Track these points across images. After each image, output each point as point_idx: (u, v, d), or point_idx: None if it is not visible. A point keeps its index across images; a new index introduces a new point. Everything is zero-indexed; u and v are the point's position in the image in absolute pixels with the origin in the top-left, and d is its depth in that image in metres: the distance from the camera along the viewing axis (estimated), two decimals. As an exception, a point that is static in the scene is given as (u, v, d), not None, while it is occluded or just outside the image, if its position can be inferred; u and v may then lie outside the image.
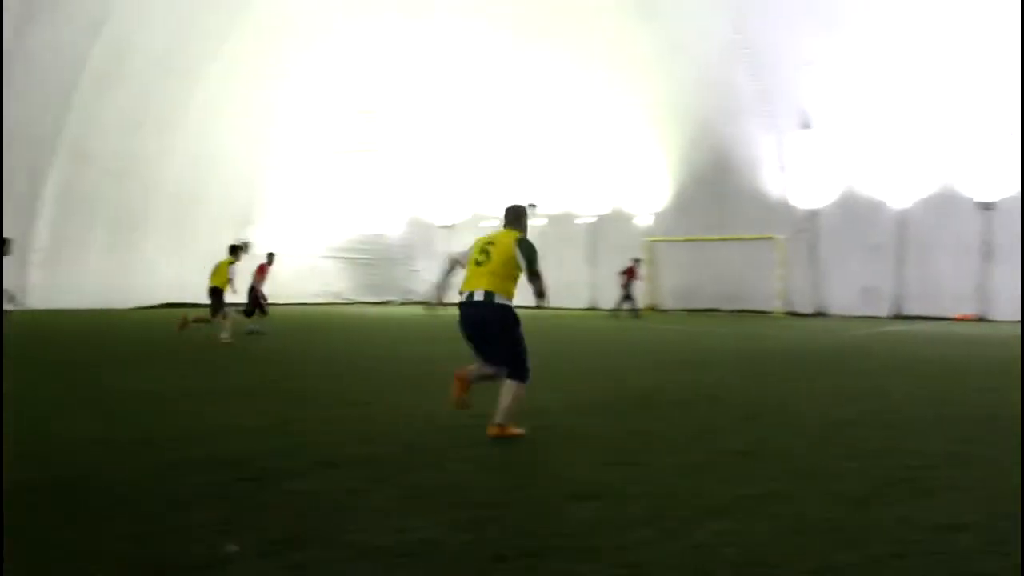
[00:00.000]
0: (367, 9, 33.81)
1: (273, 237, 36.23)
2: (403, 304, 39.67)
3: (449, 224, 39.10)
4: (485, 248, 7.74)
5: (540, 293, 7.68)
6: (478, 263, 7.67)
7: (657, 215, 33.60)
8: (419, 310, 22.23)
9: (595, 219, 35.23)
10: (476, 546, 4.66)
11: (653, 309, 32.78)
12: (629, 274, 28.84)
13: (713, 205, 31.62)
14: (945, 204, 27.97)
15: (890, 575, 4.32)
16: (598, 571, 4.29)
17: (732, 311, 30.53)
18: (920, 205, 28.44)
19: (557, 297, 35.02)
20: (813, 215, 30.31)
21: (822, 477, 6.35)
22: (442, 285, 8.35)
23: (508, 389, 7.56)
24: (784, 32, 28.27)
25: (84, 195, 30.48)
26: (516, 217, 8.07)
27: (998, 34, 24.94)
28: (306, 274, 35.38)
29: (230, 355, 15.49)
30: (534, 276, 7.57)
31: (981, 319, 27.28)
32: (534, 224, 30.49)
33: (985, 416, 9.14)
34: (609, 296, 32.11)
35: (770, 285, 30.43)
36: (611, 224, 34.65)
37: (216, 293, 18.17)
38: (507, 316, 7.58)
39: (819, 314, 29.96)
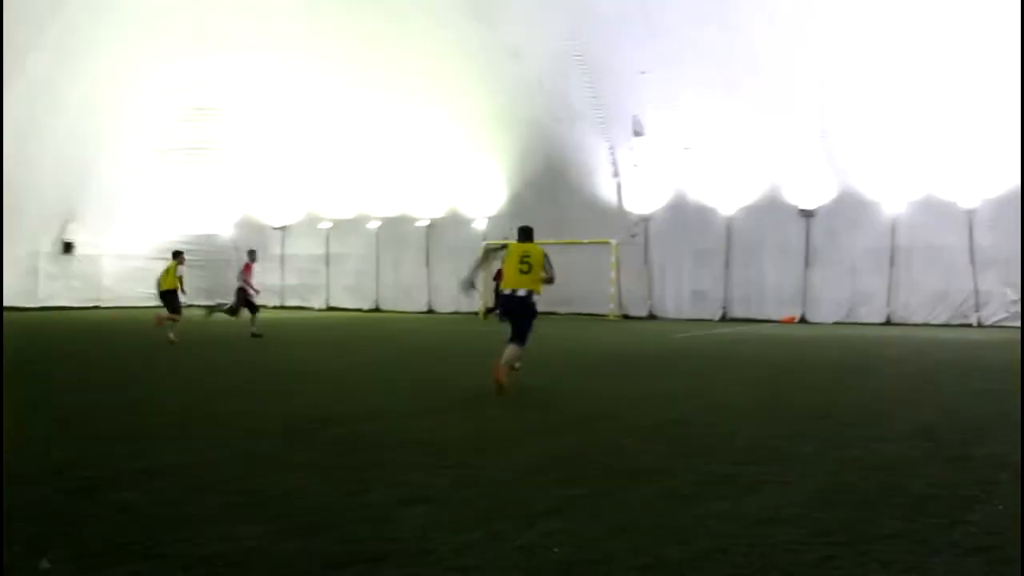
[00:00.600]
0: (203, 4, 32.77)
1: (98, 237, 34.83)
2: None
3: (283, 225, 38.30)
4: (524, 259, 11.38)
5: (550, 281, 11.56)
6: (522, 271, 11.33)
7: (491, 219, 33.72)
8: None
9: (430, 222, 35.06)
10: (307, 554, 4.54)
11: (490, 312, 32.86)
12: (499, 277, 28.80)
13: (548, 209, 31.88)
14: (769, 211, 29.02)
15: (714, 569, 4.37)
16: None
17: (568, 314, 30.86)
18: (745, 212, 29.45)
19: (394, 301, 34.99)
20: (645, 220, 30.99)
21: (651, 475, 6.42)
22: (474, 274, 13.05)
23: (513, 350, 11.05)
24: (617, 40, 28.78)
25: None
26: (530, 234, 11.98)
27: (817, 45, 26.03)
28: (133, 276, 33.98)
29: (59, 362, 14.76)
30: (551, 280, 11.58)
31: (803, 321, 28.42)
32: (369, 226, 29.93)
33: (807, 415, 9.42)
34: (446, 300, 32.15)
35: (605, 289, 30.94)
36: (447, 227, 34.58)
37: (169, 295, 20.02)
38: (535, 308, 11.35)
39: (652, 317, 30.65)
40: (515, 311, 11.31)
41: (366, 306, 36.09)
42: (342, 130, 34.63)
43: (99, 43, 31.69)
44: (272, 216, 38.53)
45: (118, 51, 32.48)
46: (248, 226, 38.94)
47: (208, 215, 38.16)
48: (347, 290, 37.14)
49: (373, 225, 36.06)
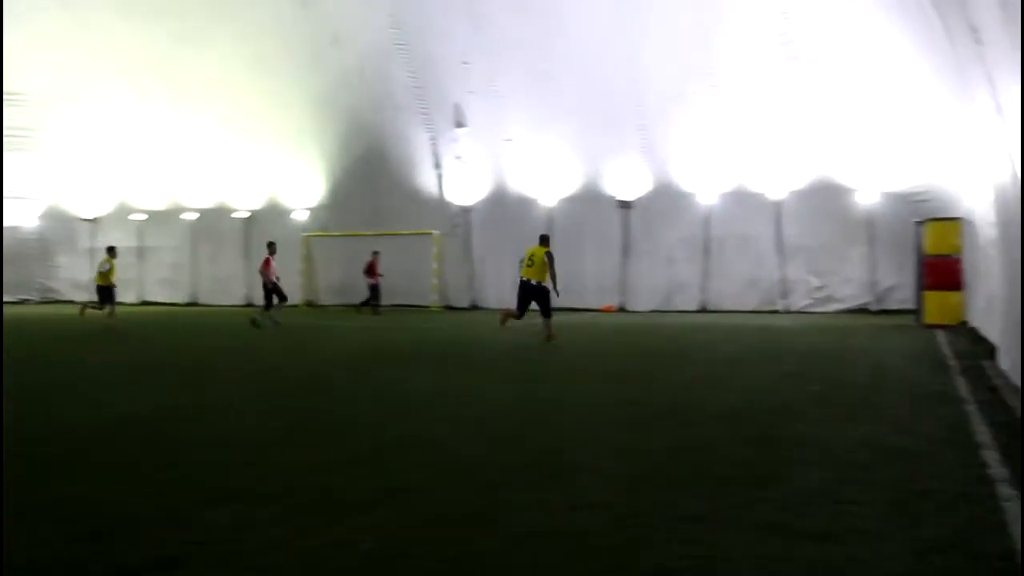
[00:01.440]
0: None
1: None
2: (42, 303, 36.70)
3: (93, 217, 36.55)
4: (531, 258, 17.10)
5: (555, 284, 17.02)
6: (528, 266, 17.05)
7: (312, 210, 33.07)
8: (67, 310, 20.71)
9: (249, 214, 34.12)
10: (101, 560, 4.35)
11: (311, 304, 32.24)
12: (371, 270, 28.28)
13: (369, 200, 31.54)
14: (589, 202, 29.41)
15: (522, 557, 4.42)
16: (232, 576, 4.13)
17: (392, 305, 30.53)
18: (566, 203, 29.76)
19: (211, 294, 33.90)
20: (467, 211, 30.95)
21: (463, 467, 6.45)
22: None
23: (546, 323, 17.00)
24: (440, 30, 28.62)
25: None
26: (546, 240, 17.68)
27: (636, 38, 26.52)
28: None
29: None
30: (554, 274, 16.91)
31: (622, 310, 28.92)
32: (184, 217, 28.80)
33: (618, 401, 9.55)
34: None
35: (427, 280, 30.74)
36: (267, 218, 33.70)
37: (104, 290, 22.74)
38: (545, 290, 16.88)
39: (474, 307, 30.63)
40: (531, 293, 17.02)
41: (182, 300, 34.87)
42: (155, 117, 33.26)
43: None
44: (82, 207, 36.72)
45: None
46: (55, 217, 37.04)
47: (10, 206, 36.06)
48: (162, 283, 35.78)
49: (189, 216, 34.85)
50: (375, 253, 28.73)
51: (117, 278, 23.27)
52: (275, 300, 22.85)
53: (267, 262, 23.05)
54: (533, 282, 16.84)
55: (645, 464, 6.40)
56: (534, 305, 17.14)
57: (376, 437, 7.60)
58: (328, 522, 4.95)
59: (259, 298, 29.62)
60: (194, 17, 30.30)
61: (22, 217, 36.69)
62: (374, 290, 28.46)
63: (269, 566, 4.27)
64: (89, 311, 23.63)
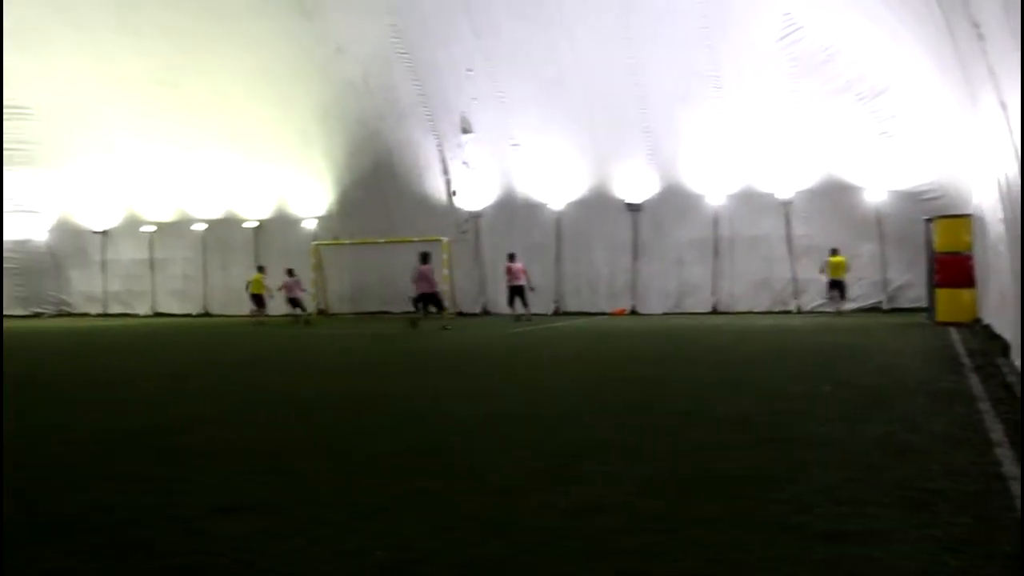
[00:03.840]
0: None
1: None
2: (57, 316, 36.82)
3: (104, 229, 36.64)
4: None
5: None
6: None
7: (321, 218, 33.11)
8: (86, 323, 20.63)
9: (258, 223, 34.17)
10: (111, 570, 4.39)
11: (323, 313, 32.30)
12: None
13: (378, 208, 31.58)
14: (597, 205, 29.40)
15: (535, 561, 4.42)
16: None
17: (402, 313, 30.57)
18: (574, 207, 29.76)
19: (223, 305, 33.93)
20: (475, 217, 30.97)
21: (473, 472, 6.45)
22: None
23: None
24: (442, 38, 28.66)
25: None
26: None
27: (640, 41, 26.53)
28: None
29: None
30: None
31: (634, 312, 28.90)
32: (194, 228, 28.98)
33: (631, 405, 9.56)
34: (277, 302, 31.38)
35: (439, 285, 30.68)
36: (276, 228, 33.77)
37: (256, 297, 28.92)
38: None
39: (485, 313, 30.64)
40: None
41: (195, 310, 34.97)
42: (162, 129, 33.37)
43: None
44: (92, 220, 36.84)
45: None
46: (66, 230, 37.14)
47: (22, 219, 36.22)
48: (174, 295, 35.87)
49: (199, 227, 34.94)
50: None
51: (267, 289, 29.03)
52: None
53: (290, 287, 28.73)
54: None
55: (659, 466, 6.40)
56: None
57: (388, 443, 7.60)
58: (342, 531, 4.95)
59: (271, 308, 29.78)
60: (198, 32, 30.43)
61: (33, 230, 36.84)
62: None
63: (287, 575, 4.30)
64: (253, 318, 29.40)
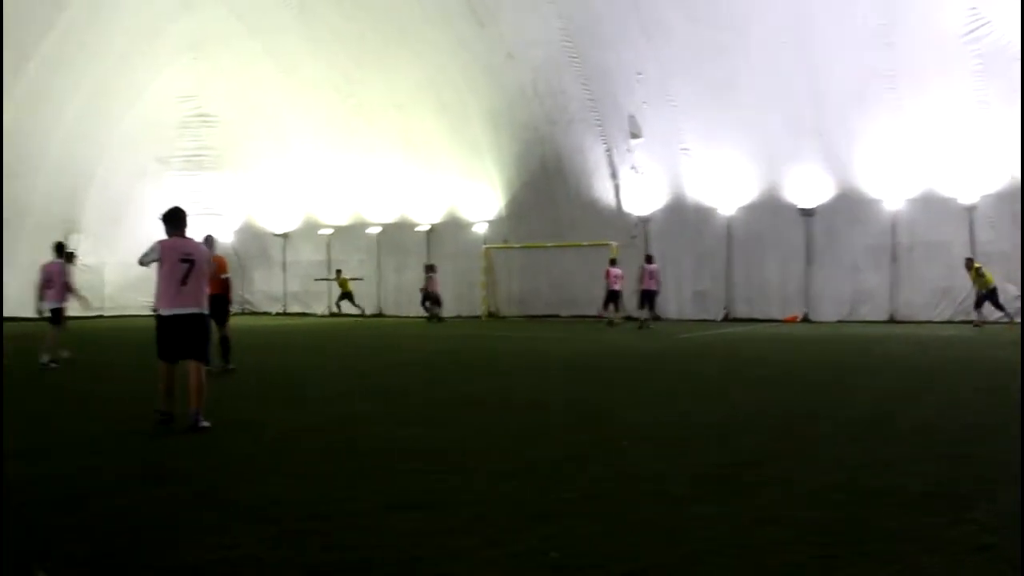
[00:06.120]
0: (201, 12, 32.88)
1: (100, 247, 34.84)
2: (239, 314, 38.49)
3: (284, 232, 38.19)
4: None
5: None
6: None
7: (491, 222, 33.60)
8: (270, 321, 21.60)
9: (430, 227, 34.93)
10: (296, 561, 4.53)
11: (492, 315, 32.80)
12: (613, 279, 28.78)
13: (547, 212, 31.82)
14: (769, 210, 28.91)
15: (706, 571, 4.37)
16: (420, 581, 4.19)
17: (570, 316, 30.83)
18: (745, 211, 29.32)
19: (396, 306, 34.86)
20: (645, 222, 30.88)
21: (643, 478, 6.40)
22: None
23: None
24: (612, 42, 28.72)
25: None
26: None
27: (814, 42, 26.00)
28: (135, 285, 33.76)
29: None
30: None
31: (806, 320, 28.31)
32: (369, 232, 29.85)
33: (806, 415, 9.43)
34: (447, 304, 32.03)
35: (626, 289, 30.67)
36: (447, 231, 34.46)
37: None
38: None
39: (655, 318, 30.49)
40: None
41: (368, 311, 36.02)
42: (338, 136, 34.59)
43: (99, 51, 31.70)
44: (273, 223, 38.43)
45: (118, 59, 32.52)
46: (249, 233, 38.87)
47: (209, 222, 38.06)
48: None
49: (373, 231, 35.96)
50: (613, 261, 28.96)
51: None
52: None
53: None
54: None
55: (834, 479, 6.22)
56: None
57: (559, 447, 7.62)
58: (513, 532, 4.99)
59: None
60: (374, 41, 31.45)
61: (218, 232, 38.65)
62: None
63: (458, 573, 4.37)
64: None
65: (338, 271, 34.80)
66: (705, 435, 8.17)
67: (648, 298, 25.53)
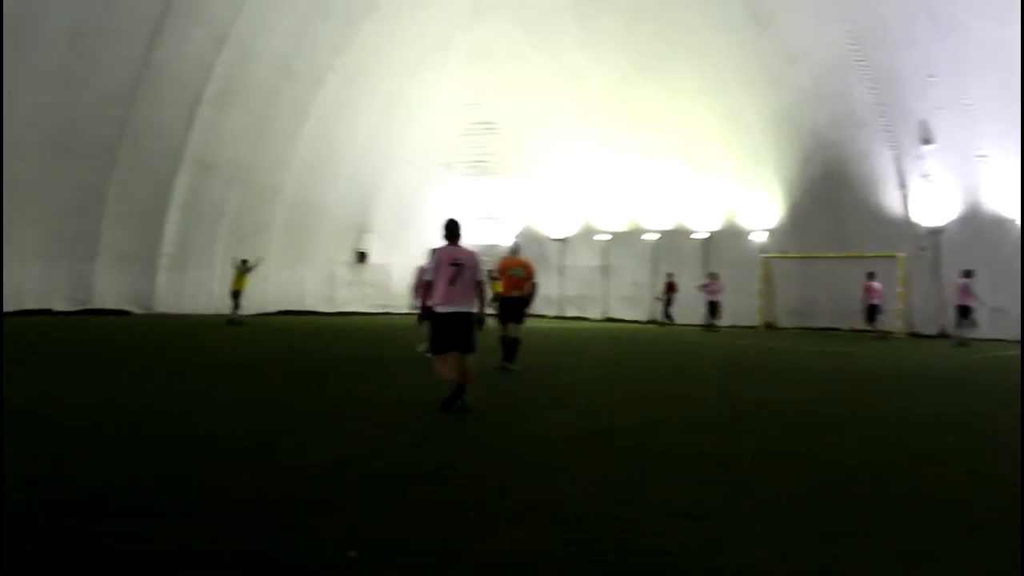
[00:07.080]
0: (486, 24, 34.25)
1: (389, 247, 37.01)
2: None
3: (562, 237, 39.03)
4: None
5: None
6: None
7: (771, 231, 32.88)
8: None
9: (708, 235, 34.65)
10: (588, 561, 4.66)
11: (769, 326, 32.15)
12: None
13: (829, 221, 30.81)
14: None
15: None
16: (718, 592, 4.27)
17: (848, 330, 29.75)
18: (1049, 223, 27.28)
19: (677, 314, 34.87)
20: (935, 233, 29.33)
21: (943, 504, 6.18)
22: None
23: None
24: (902, 42, 27.49)
25: (208, 203, 31.48)
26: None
27: None
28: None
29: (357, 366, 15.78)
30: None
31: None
32: (645, 238, 30.01)
33: None
34: (724, 313, 31.74)
35: (890, 304, 29.43)
36: (725, 239, 34.05)
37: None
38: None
39: (942, 335, 28.87)
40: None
41: (642, 317, 36.16)
42: (616, 143, 34.98)
43: (389, 64, 33.71)
44: (551, 228, 39.36)
45: (409, 69, 34.41)
46: (529, 237, 39.88)
47: (492, 226, 39.49)
48: (623, 301, 37.29)
49: (650, 237, 36.09)
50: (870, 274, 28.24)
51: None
52: None
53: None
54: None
55: None
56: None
57: (856, 464, 7.43)
58: (804, 548, 4.97)
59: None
60: (655, 47, 31.63)
61: (498, 236, 40.08)
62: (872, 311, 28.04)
63: None
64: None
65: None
66: (1006, 464, 7.66)
67: (963, 313, 24.97)
